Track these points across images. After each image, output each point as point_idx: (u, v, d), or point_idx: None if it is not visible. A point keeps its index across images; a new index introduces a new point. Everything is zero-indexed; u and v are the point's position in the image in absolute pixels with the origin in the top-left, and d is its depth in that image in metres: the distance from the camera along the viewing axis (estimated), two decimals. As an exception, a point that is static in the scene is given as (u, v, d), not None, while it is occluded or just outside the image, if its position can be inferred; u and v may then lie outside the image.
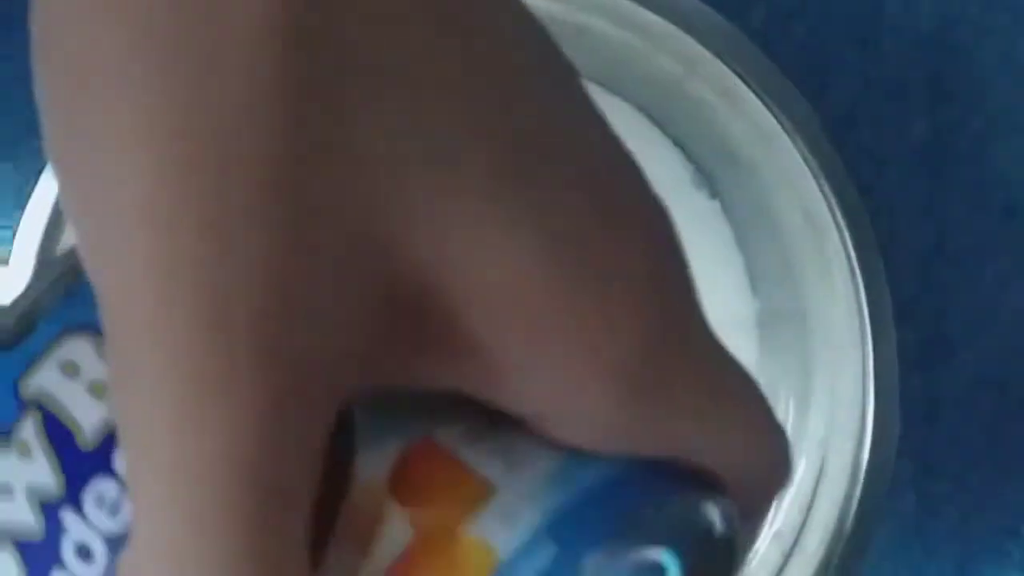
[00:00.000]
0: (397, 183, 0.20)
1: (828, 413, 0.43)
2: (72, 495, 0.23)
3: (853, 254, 0.43)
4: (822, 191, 0.43)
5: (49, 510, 0.23)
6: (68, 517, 0.23)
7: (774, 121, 0.43)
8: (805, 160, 0.43)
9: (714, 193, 0.46)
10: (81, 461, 0.23)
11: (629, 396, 0.22)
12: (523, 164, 0.21)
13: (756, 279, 0.46)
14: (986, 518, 0.47)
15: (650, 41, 0.43)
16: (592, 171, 0.22)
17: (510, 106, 0.21)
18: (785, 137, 0.43)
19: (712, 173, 0.46)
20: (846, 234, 0.43)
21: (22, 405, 0.23)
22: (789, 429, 0.44)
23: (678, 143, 0.46)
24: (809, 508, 0.43)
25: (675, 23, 0.43)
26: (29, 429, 0.23)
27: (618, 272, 0.22)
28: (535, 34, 0.23)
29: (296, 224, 0.20)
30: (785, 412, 0.44)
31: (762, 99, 0.43)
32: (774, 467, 0.24)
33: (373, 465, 0.23)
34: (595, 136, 0.23)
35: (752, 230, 0.45)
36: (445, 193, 0.21)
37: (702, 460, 0.24)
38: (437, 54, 0.21)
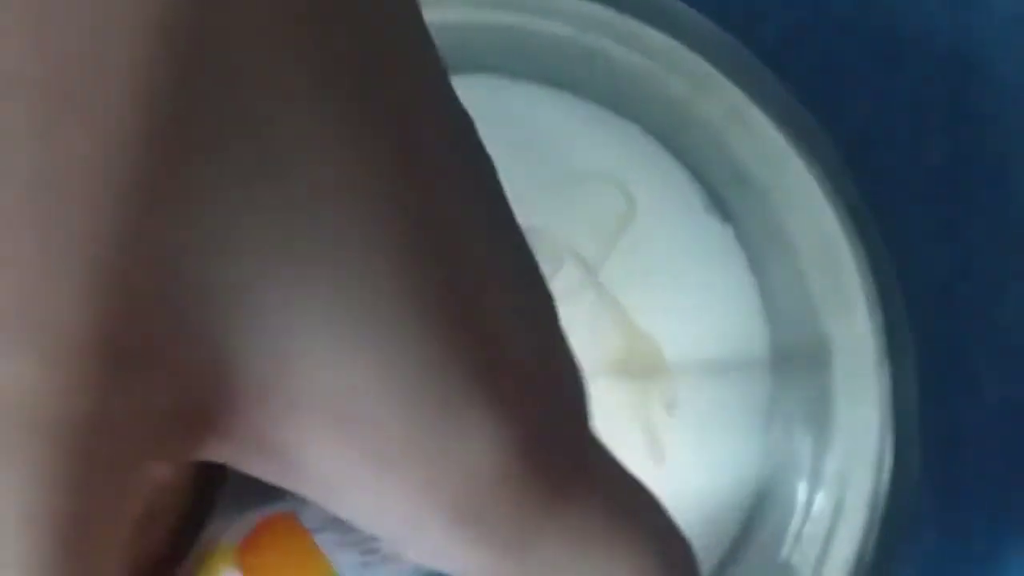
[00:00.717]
0: (238, 274, 0.18)
1: (846, 444, 0.42)
2: None
3: (870, 279, 0.42)
4: (837, 214, 0.42)
5: None
6: None
7: (786, 143, 0.42)
8: (819, 182, 0.42)
9: (726, 217, 0.45)
10: None
11: (477, 542, 0.20)
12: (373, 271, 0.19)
13: (770, 306, 0.45)
14: (1012, 549, 0.46)
15: (658, 62, 0.42)
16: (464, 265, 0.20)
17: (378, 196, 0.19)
18: (798, 159, 0.42)
19: (724, 196, 0.45)
20: (863, 259, 0.42)
21: None
22: (807, 461, 0.43)
23: (688, 166, 0.45)
24: (828, 543, 0.41)
25: (683, 43, 0.42)
26: None
27: (475, 390, 0.19)
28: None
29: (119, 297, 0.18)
30: (801, 443, 0.43)
31: (773, 120, 0.42)
32: None
33: (231, 530, 0.22)
34: (463, 224, 0.20)
35: (765, 255, 0.44)
36: (287, 289, 0.19)
37: None
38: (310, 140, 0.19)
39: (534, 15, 0.42)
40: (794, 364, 0.44)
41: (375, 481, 0.19)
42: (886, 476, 0.41)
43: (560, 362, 0.21)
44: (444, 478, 0.19)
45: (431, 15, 0.42)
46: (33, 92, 0.17)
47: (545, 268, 0.44)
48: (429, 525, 0.20)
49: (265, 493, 0.22)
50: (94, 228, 0.17)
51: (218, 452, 0.20)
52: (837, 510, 0.42)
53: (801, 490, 0.43)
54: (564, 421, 0.21)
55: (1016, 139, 0.47)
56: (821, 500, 0.42)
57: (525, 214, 0.44)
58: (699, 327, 0.44)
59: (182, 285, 0.18)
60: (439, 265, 0.19)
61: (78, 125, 0.17)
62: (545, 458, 0.20)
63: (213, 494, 0.22)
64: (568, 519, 0.20)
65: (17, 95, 0.17)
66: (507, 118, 0.44)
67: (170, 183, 0.17)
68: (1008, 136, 0.47)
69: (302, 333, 0.19)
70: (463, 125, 0.21)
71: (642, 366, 0.44)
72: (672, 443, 0.44)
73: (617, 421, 0.44)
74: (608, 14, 0.42)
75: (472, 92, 0.44)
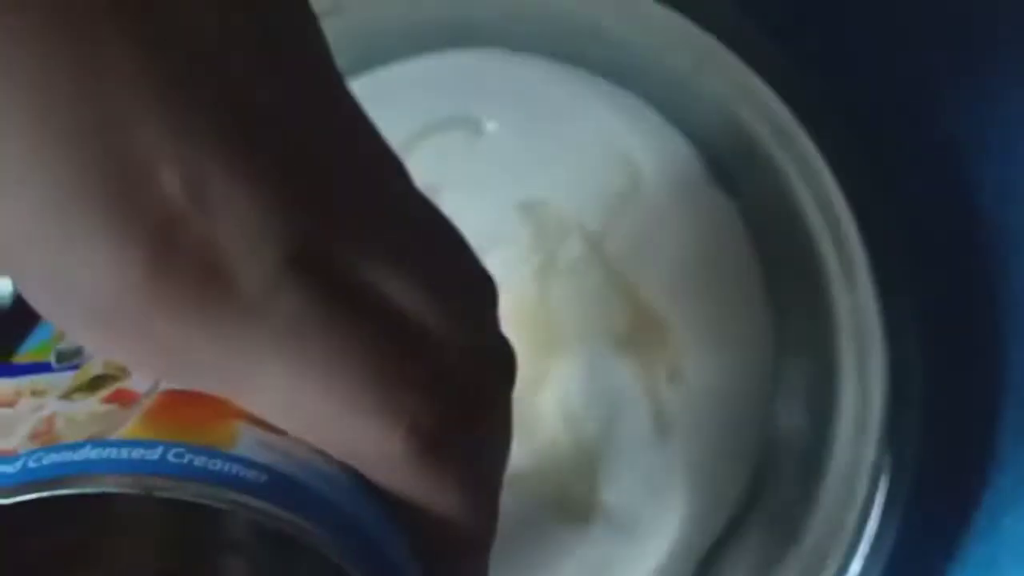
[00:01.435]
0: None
1: (850, 414, 0.42)
2: None
3: (875, 252, 0.42)
4: (842, 187, 0.42)
5: None
6: None
7: (791, 116, 0.42)
8: (824, 156, 0.42)
9: (731, 190, 0.45)
10: None
11: (115, 340, 0.21)
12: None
13: (775, 276, 0.45)
14: (1015, 519, 0.46)
15: (662, 36, 0.42)
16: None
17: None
18: (802, 130, 0.42)
19: (729, 170, 0.45)
20: (868, 232, 0.42)
21: None
22: (810, 433, 0.43)
23: (693, 140, 0.45)
24: (832, 514, 0.42)
25: (687, 16, 0.42)
26: None
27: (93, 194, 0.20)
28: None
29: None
30: (805, 415, 0.43)
31: (777, 92, 0.42)
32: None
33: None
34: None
35: (770, 226, 0.44)
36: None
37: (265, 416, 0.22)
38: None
39: (538, -11, 0.43)
40: (798, 337, 0.44)
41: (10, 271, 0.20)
42: (889, 444, 0.41)
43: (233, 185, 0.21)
44: (69, 276, 0.20)
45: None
46: None
47: (551, 241, 0.45)
48: (68, 317, 0.21)
49: None
50: None
51: None
52: (841, 482, 0.42)
53: (804, 462, 0.43)
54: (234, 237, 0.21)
55: (1021, 109, 0.47)
56: (825, 472, 0.42)
57: (530, 187, 0.44)
58: (704, 300, 0.45)
59: None
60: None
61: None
62: (182, 277, 0.20)
63: None
64: (221, 331, 0.21)
65: None
66: (511, 91, 0.45)
67: None
68: (1015, 104, 0.47)
69: None
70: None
71: (647, 338, 0.45)
72: (677, 415, 0.44)
73: (623, 393, 0.44)
74: (613, -12, 0.42)
75: (475, 66, 0.45)
